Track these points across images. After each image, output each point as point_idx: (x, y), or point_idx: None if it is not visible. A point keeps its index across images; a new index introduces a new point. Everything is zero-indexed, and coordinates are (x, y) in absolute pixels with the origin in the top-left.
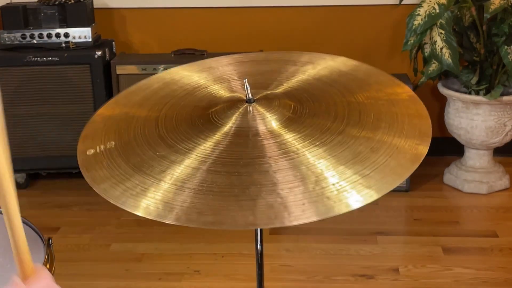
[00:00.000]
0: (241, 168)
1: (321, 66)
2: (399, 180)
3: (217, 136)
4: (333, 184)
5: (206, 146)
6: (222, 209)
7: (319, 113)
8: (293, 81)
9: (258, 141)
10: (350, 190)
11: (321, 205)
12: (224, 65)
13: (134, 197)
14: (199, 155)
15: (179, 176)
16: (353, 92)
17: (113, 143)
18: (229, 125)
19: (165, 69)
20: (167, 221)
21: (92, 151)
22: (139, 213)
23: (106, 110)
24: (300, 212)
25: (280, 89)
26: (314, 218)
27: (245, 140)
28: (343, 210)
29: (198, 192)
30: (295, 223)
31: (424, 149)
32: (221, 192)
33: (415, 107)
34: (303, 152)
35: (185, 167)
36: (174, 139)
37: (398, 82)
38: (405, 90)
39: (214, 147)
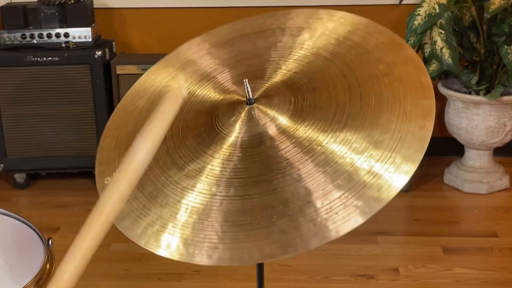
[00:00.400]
0: (250, 188)
1: (318, 32)
2: (406, 178)
3: (224, 150)
4: (339, 197)
5: (214, 165)
6: (237, 241)
7: (320, 104)
8: (290, 61)
9: (264, 152)
10: (356, 203)
11: (330, 223)
12: (220, 45)
13: (155, 235)
14: (209, 177)
15: (194, 206)
16: (352, 67)
17: None
18: (234, 135)
19: None
20: (189, 261)
21: (109, 179)
22: (162, 254)
23: (115, 122)
24: (311, 235)
25: (278, 76)
26: (325, 240)
27: (250, 153)
28: (354, 224)
29: (213, 224)
30: (308, 248)
31: (428, 130)
32: (235, 221)
33: (416, 74)
34: (306, 162)
35: (198, 193)
36: (183, 157)
37: (398, 41)
38: (404, 48)
39: (222, 165)
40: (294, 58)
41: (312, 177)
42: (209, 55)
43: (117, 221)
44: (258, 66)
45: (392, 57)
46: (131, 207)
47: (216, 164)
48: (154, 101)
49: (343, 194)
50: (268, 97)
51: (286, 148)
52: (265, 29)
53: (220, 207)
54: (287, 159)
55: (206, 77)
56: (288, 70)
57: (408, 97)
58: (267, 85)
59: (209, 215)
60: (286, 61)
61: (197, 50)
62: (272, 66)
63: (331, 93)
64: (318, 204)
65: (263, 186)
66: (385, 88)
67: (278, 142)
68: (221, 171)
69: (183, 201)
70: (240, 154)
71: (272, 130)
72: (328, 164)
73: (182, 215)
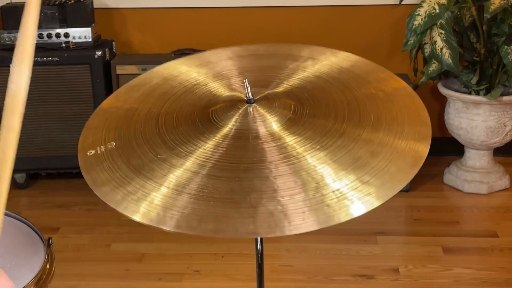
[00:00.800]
0: (242, 173)
1: (322, 62)
2: (399, 186)
3: (217, 138)
4: (333, 191)
5: (206, 149)
6: (222, 216)
7: (319, 113)
8: (293, 79)
9: (259, 144)
10: (350, 198)
11: (321, 214)
12: (224, 60)
13: (135, 202)
14: (199, 158)
15: (180, 181)
16: (352, 90)
17: (114, 143)
18: (229, 126)
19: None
20: (167, 228)
21: (92, 151)
22: (140, 219)
23: (106, 106)
24: (300, 221)
25: (280, 88)
26: (314, 227)
27: (245, 143)
28: (343, 218)
29: (199, 198)
30: (295, 232)
31: (424, 152)
32: (222, 199)
33: (415, 107)
34: (304, 156)
35: (186, 171)
36: (175, 140)
37: (397, 79)
38: (404, 87)
39: (214, 150)
40: (296, 77)
41: (306, 171)
42: (227, 61)
43: (96, 186)
44: (261, 78)
45: (391, 90)
46: (112, 175)
47: (208, 148)
48: (149, 93)
49: (340, 188)
50: (268, 100)
51: (281, 145)
52: (267, 54)
53: (208, 185)
54: (282, 154)
55: (210, 78)
56: (290, 85)
57: (406, 121)
58: (269, 91)
59: (196, 191)
60: (289, 78)
61: (219, 56)
62: (275, 81)
63: (330, 107)
64: (310, 195)
65: (254, 172)
66: (384, 111)
67: (274, 139)
68: (212, 154)
69: (170, 175)
70: (234, 143)
71: (267, 129)
72: (333, 157)
73: (166, 188)
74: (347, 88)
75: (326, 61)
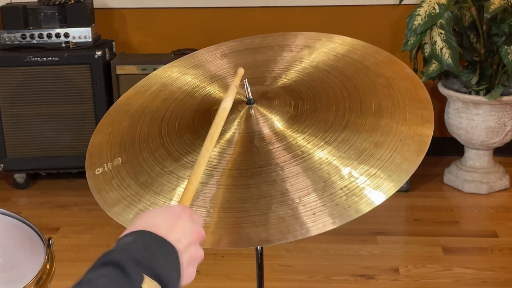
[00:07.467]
0: (249, 179)
1: (318, 50)
2: (406, 176)
3: (222, 144)
4: (341, 189)
5: (212, 157)
6: (235, 227)
7: (320, 107)
8: (291, 71)
9: (263, 146)
10: (358, 194)
11: (331, 214)
12: (219, 57)
13: None
14: (206, 167)
15: None
16: (351, 78)
17: (120, 159)
18: (232, 131)
19: None
20: None
21: (100, 170)
22: None
23: (108, 120)
24: (311, 223)
25: (279, 83)
26: (325, 229)
27: (250, 147)
28: (353, 216)
29: (210, 210)
30: (307, 235)
31: (428, 137)
32: (232, 208)
33: (415, 89)
34: (308, 155)
35: None
36: (179, 151)
37: (395, 60)
38: (403, 67)
39: (220, 158)
40: (293, 70)
41: (312, 171)
42: (223, 59)
43: (107, 208)
44: (258, 75)
45: (391, 73)
46: (122, 194)
47: (214, 156)
48: (149, 102)
49: (347, 185)
50: (268, 99)
51: (285, 145)
52: (263, 46)
53: (217, 195)
54: (287, 155)
55: (208, 80)
56: (288, 79)
57: (407, 106)
58: (268, 89)
59: (206, 202)
60: (286, 71)
61: (214, 54)
62: (272, 76)
63: (331, 99)
64: (319, 195)
65: (262, 177)
66: (384, 98)
67: (278, 139)
68: (218, 162)
69: (178, 189)
70: (238, 148)
71: (270, 129)
72: (337, 153)
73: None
74: (346, 77)
75: (322, 48)
